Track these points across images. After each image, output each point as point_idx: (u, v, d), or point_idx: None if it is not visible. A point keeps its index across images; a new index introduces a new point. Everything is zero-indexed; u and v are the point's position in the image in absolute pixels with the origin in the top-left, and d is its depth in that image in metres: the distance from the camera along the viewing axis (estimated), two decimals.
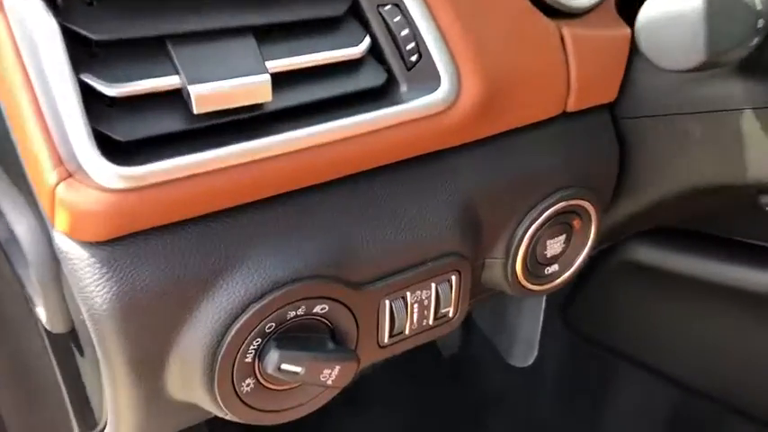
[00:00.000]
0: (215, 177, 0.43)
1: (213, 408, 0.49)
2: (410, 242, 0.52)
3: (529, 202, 0.58)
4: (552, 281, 0.64)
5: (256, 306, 0.45)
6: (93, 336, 0.44)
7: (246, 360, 0.47)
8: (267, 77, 0.44)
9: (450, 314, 0.56)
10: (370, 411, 1.46)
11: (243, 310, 0.45)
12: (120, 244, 0.42)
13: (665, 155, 0.62)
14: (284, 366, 0.47)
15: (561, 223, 0.61)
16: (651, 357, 1.13)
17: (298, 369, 0.48)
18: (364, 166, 0.49)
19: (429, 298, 0.54)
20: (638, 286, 1.04)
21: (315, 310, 0.48)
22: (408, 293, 0.53)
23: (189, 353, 0.46)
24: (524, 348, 1.53)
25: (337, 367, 0.49)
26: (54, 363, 0.55)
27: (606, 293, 1.28)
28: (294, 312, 0.47)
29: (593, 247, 0.65)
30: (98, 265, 0.42)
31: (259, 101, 0.45)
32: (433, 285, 0.54)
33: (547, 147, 0.58)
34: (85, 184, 0.40)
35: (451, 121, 0.51)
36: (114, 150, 0.41)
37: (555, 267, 0.64)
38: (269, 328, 0.47)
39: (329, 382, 0.50)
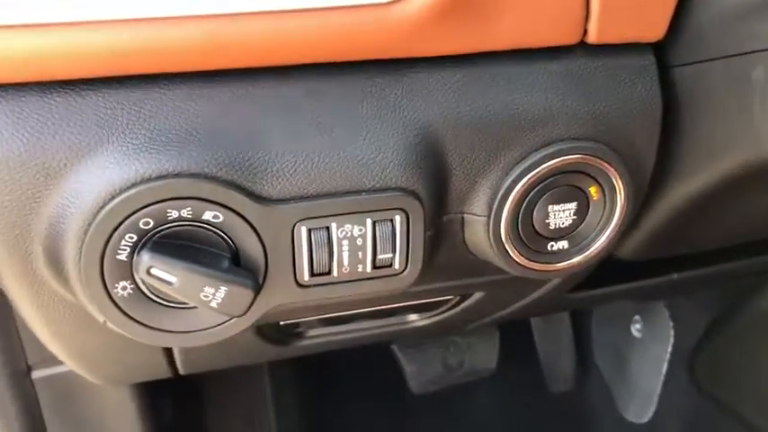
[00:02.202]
0: (95, 33, 0.38)
1: (92, 309, 0.44)
2: (339, 163, 0.43)
3: (517, 149, 0.47)
4: (559, 261, 0.51)
5: (125, 195, 0.40)
6: None
7: (119, 257, 0.42)
8: None
9: (396, 265, 0.47)
10: None
11: (109, 199, 0.40)
12: None
13: (726, 113, 0.47)
14: (155, 271, 0.41)
15: (570, 187, 0.49)
16: None
17: (171, 278, 0.41)
18: (281, 61, 0.42)
19: (363, 237, 0.45)
20: None
21: (205, 217, 0.42)
22: (334, 224, 0.44)
23: (57, 235, 0.41)
24: (643, 401, 1.32)
25: (223, 288, 0.42)
26: None
27: (741, 347, 1.07)
28: (177, 213, 0.41)
29: (620, 229, 0.51)
30: None
31: None
32: (369, 222, 0.45)
33: (552, 84, 0.47)
34: None
35: (402, 19, 0.42)
36: None
37: (563, 245, 0.51)
38: (145, 224, 0.41)
39: (213, 304, 0.43)
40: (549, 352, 1.42)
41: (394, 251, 0.46)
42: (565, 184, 0.49)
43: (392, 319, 0.70)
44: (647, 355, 1.29)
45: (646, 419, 1.31)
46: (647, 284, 0.73)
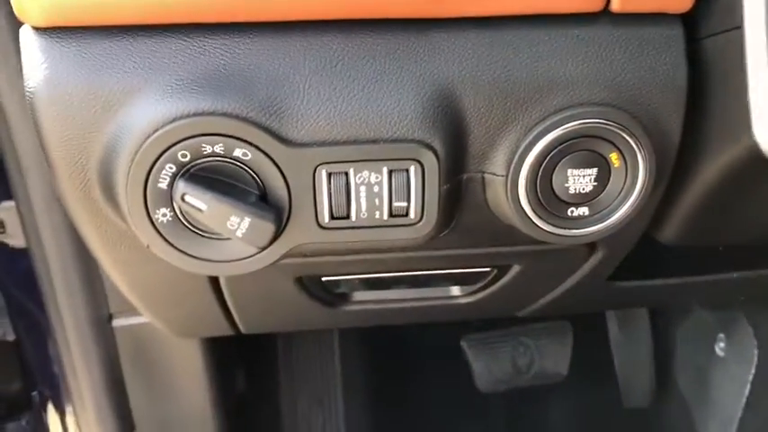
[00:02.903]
0: None
1: (138, 234, 0.49)
2: (359, 112, 0.47)
3: (536, 111, 0.49)
4: (579, 228, 0.52)
5: (166, 127, 0.45)
6: (33, 121, 0.48)
7: (160, 185, 0.47)
8: None
9: (412, 215, 0.49)
10: None
11: (153, 131, 0.46)
12: (56, 34, 0.46)
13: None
14: (188, 198, 0.46)
15: (590, 152, 0.50)
16: None
17: (201, 205, 0.46)
18: (316, 16, 0.46)
19: (380, 184, 0.48)
20: None
21: (236, 154, 0.47)
22: (352, 170, 0.48)
23: (110, 163, 0.48)
24: (723, 424, 1.26)
25: (247, 219, 0.47)
26: None
27: None
28: (211, 148, 0.46)
29: (641, 200, 0.51)
30: (34, 47, 0.46)
31: None
32: (385, 170, 0.48)
33: (575, 50, 0.48)
34: None
35: None
36: None
37: (583, 211, 0.52)
38: (182, 156, 0.46)
39: (238, 234, 0.47)
40: (626, 365, 1.38)
41: (408, 200, 0.49)
42: (585, 149, 0.50)
43: (434, 290, 0.72)
44: (730, 375, 1.23)
45: None
46: (697, 281, 0.72)
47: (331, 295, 0.70)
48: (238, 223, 0.47)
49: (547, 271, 0.67)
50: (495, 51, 0.48)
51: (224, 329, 0.78)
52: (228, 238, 0.48)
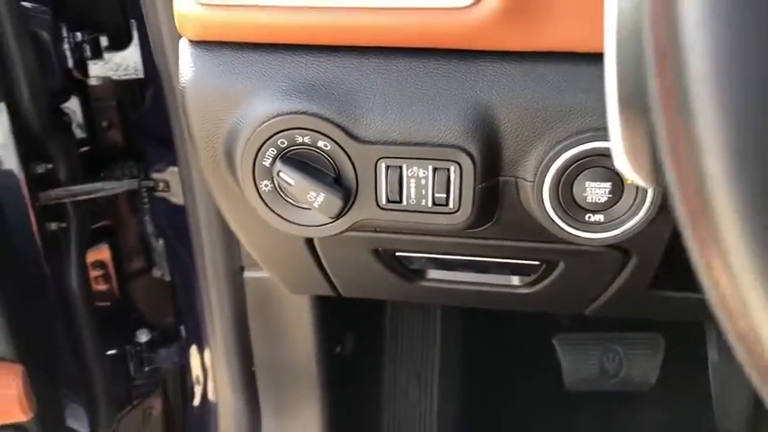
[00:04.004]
0: (271, 14, 0.60)
1: (249, 200, 0.66)
2: (415, 120, 0.60)
3: (560, 131, 0.59)
4: (595, 232, 0.62)
5: (271, 120, 0.61)
6: (182, 109, 0.66)
7: (264, 163, 0.63)
8: None
9: (451, 205, 0.62)
10: None
11: (262, 123, 0.62)
12: (202, 47, 0.63)
13: None
14: (282, 175, 0.62)
15: (605, 168, 0.60)
16: None
17: (290, 180, 0.62)
18: (385, 43, 0.60)
19: (426, 178, 0.61)
20: None
21: (319, 145, 0.62)
22: (404, 165, 0.61)
23: (232, 144, 0.64)
24: None
25: (322, 194, 0.62)
26: None
27: None
28: (301, 138, 0.62)
29: (652, 212, 0.60)
30: (187, 54, 0.63)
31: None
32: (430, 168, 0.61)
33: (593, 83, 0.58)
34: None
35: (471, 21, 0.57)
36: None
37: (599, 218, 0.62)
38: (281, 143, 0.62)
39: (315, 205, 0.62)
40: (723, 387, 1.39)
41: (448, 193, 0.62)
42: (601, 165, 0.60)
43: (496, 278, 0.84)
44: None
45: None
46: None
47: (406, 270, 0.84)
48: (315, 197, 0.62)
49: (590, 272, 0.77)
50: (528, 80, 0.59)
51: (326, 290, 0.93)
52: (309, 208, 0.64)
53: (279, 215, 0.66)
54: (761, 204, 0.26)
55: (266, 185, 0.64)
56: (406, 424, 1.40)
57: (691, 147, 0.28)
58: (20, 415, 0.94)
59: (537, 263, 0.77)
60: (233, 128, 0.64)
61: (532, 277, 0.81)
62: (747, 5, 0.26)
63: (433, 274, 0.85)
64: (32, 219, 1.02)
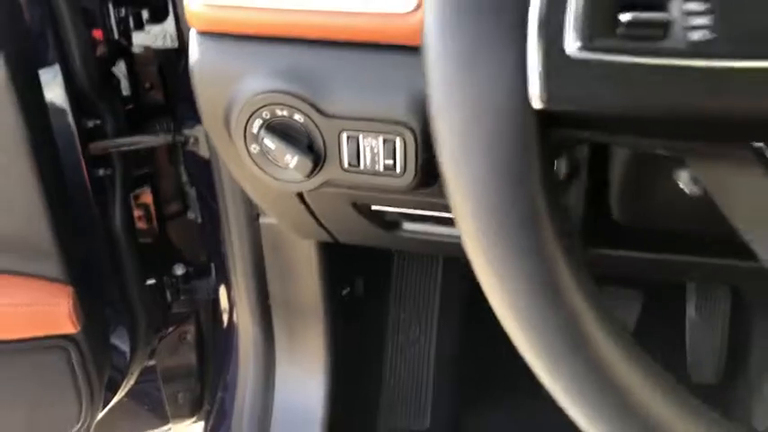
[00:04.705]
0: (261, 13, 0.76)
1: (242, 157, 0.82)
2: (369, 100, 0.76)
3: None
4: None
5: (258, 96, 0.77)
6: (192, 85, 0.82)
7: (252, 131, 0.79)
8: None
9: (398, 170, 0.77)
10: None
11: (251, 98, 0.78)
12: (207, 36, 0.79)
13: None
14: (266, 141, 0.78)
15: None
16: None
17: (272, 145, 0.78)
18: (341, 38, 0.75)
19: (377, 147, 0.77)
20: None
21: (295, 117, 0.77)
22: (361, 136, 0.77)
23: (228, 114, 0.81)
24: None
25: (296, 157, 0.78)
26: None
27: None
28: (281, 112, 0.77)
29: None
30: (195, 42, 0.80)
31: None
32: (381, 139, 0.76)
33: None
34: None
35: (412, 24, 0.71)
36: None
37: None
38: (265, 115, 0.78)
39: (291, 165, 0.79)
40: (698, 344, 1.50)
41: (395, 160, 0.77)
42: None
43: (450, 229, 0.98)
44: None
45: None
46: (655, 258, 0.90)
47: (383, 221, 0.99)
48: (291, 159, 0.78)
49: None
50: None
51: (325, 236, 1.10)
52: (287, 168, 0.80)
53: (265, 171, 0.82)
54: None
55: (255, 148, 0.81)
56: (406, 358, 1.58)
57: None
58: (69, 327, 1.14)
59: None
60: (229, 101, 0.80)
61: None
62: None
63: (408, 225, 1.01)
64: (83, 165, 1.22)
